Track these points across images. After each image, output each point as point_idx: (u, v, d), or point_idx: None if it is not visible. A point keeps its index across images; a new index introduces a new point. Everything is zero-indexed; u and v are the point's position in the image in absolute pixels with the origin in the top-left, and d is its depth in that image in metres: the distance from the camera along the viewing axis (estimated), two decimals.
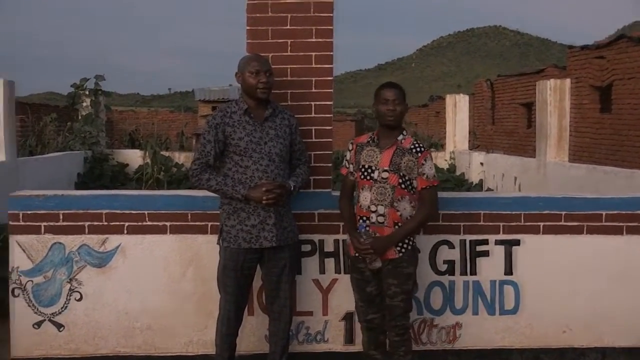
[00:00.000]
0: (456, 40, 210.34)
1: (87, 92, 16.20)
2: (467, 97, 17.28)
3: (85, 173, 14.82)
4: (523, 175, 12.43)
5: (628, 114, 13.86)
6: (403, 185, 4.64)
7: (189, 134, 22.57)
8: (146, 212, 5.31)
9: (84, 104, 16.19)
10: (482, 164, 15.02)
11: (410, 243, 4.73)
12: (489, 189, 14.28)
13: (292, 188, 4.83)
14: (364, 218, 4.72)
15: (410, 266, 4.74)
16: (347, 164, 4.91)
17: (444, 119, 18.36)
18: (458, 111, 16.87)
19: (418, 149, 4.68)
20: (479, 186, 14.81)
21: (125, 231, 5.31)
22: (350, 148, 4.91)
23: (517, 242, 5.47)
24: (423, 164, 4.66)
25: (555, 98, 11.11)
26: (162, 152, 16.36)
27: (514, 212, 5.45)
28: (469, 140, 17.84)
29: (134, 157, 16.21)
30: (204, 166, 4.79)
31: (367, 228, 4.68)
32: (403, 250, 4.68)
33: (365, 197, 4.71)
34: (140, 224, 5.31)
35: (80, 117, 16.25)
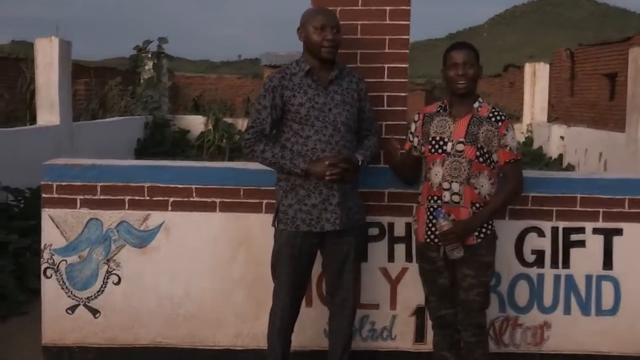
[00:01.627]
0: (529, 9, 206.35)
1: (149, 56, 15.78)
2: (547, 66, 16.39)
3: (145, 139, 14.49)
4: (610, 151, 11.54)
5: None
6: (481, 159, 4.06)
7: (254, 100, 22.09)
8: (193, 186, 4.75)
9: (147, 68, 15.80)
10: (562, 137, 14.16)
11: (490, 227, 4.16)
12: (569, 165, 13.43)
13: (359, 162, 4.22)
14: (435, 198, 4.14)
15: (489, 254, 4.17)
16: (411, 136, 4.36)
17: (519, 90, 17.53)
18: (537, 80, 15.98)
19: (498, 118, 4.11)
20: (559, 161, 13.97)
21: (170, 207, 4.77)
22: (416, 119, 4.34)
23: (618, 232, 4.74)
24: (505, 135, 4.08)
25: None
26: (225, 119, 15.89)
27: (616, 197, 4.72)
28: (548, 112, 16.92)
29: (196, 124, 15.83)
30: (259, 135, 4.21)
31: (445, 212, 4.06)
32: (482, 235, 4.11)
33: (436, 173, 4.14)
34: (186, 199, 4.76)
35: (142, 81, 15.84)
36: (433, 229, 4.12)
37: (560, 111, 21.77)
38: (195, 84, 28.10)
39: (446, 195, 4.10)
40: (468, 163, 4.06)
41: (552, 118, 19.23)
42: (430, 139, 4.19)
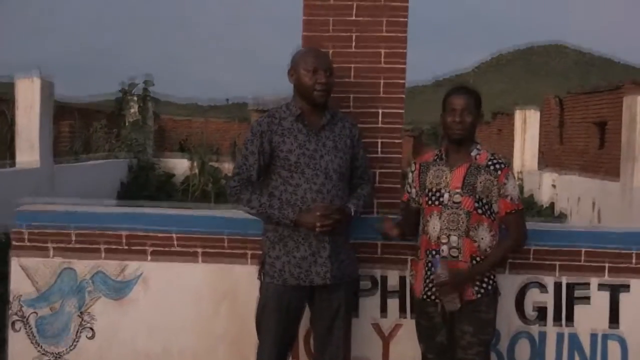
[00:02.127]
0: (515, 57, 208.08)
1: (135, 98, 15.57)
2: (537, 113, 16.29)
3: (129, 182, 14.19)
4: (603, 200, 11.35)
5: None
6: (480, 210, 3.85)
7: (241, 145, 21.87)
8: (174, 234, 4.47)
9: (132, 110, 15.58)
10: (554, 185, 13.98)
11: (491, 282, 3.93)
12: (561, 214, 13.22)
13: (352, 212, 3.97)
14: (433, 252, 3.91)
15: (490, 311, 3.94)
16: (408, 187, 4.15)
17: (507, 137, 17.37)
18: (528, 127, 15.86)
19: (497, 166, 3.89)
20: (550, 210, 13.76)
21: (149, 257, 4.48)
22: (413, 168, 4.13)
23: (625, 287, 4.46)
24: (505, 184, 3.88)
25: None
26: (211, 163, 15.64)
27: (622, 250, 4.44)
28: (538, 160, 16.78)
29: (181, 167, 15.55)
30: (245, 183, 3.96)
31: (442, 262, 3.83)
32: (482, 290, 3.88)
33: (434, 226, 3.90)
34: (166, 248, 4.48)
35: (127, 124, 15.61)
36: (431, 285, 3.88)
37: (549, 159, 21.65)
38: (181, 127, 27.88)
39: (444, 249, 3.86)
40: (466, 215, 3.84)
41: (544, 165, 19.10)
42: (426, 190, 3.96)
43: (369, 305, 4.49)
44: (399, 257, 4.45)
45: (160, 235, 4.45)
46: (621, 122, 15.63)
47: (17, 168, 9.79)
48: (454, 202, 3.86)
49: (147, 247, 4.46)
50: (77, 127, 17.07)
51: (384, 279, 4.48)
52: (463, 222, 3.84)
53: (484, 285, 3.87)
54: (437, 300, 3.89)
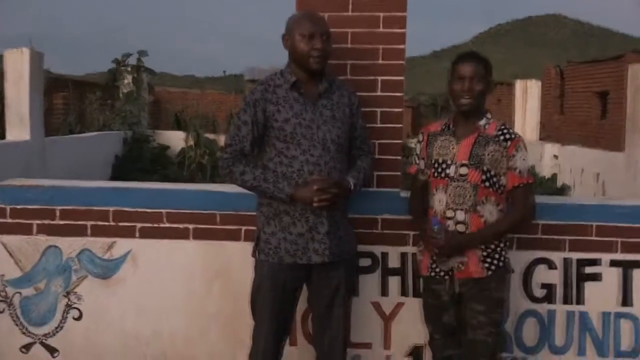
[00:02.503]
0: (513, 28, 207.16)
1: (129, 69, 15.26)
2: (539, 83, 15.99)
3: (123, 155, 13.92)
4: (607, 172, 11.13)
5: None
6: (487, 184, 3.63)
7: (234, 115, 21.60)
8: (164, 210, 4.25)
9: (126, 82, 15.27)
10: (555, 156, 13.74)
11: (502, 259, 3.71)
12: (564, 186, 12.99)
13: (351, 186, 3.74)
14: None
15: (500, 289, 3.72)
16: (416, 159, 3.93)
17: (506, 108, 17.09)
18: (528, 98, 15.56)
19: (507, 136, 3.66)
20: (552, 181, 13.55)
21: (138, 234, 4.27)
22: (421, 139, 3.91)
23: (638, 264, 4.25)
24: (514, 155, 3.64)
25: None
26: (207, 135, 15.37)
27: (635, 225, 4.23)
28: (539, 131, 16.53)
29: (177, 139, 15.27)
30: (238, 155, 3.73)
31: (441, 224, 3.65)
32: (492, 267, 3.67)
33: (439, 200, 3.70)
34: (156, 225, 4.26)
35: (121, 95, 15.32)
36: (436, 259, 3.70)
37: (550, 129, 21.41)
38: (177, 99, 27.51)
39: (450, 225, 3.65)
40: (473, 188, 3.63)
41: (545, 136, 18.85)
42: (433, 161, 3.74)
43: (369, 283, 4.29)
44: (400, 232, 4.24)
45: (149, 211, 4.24)
46: (623, 92, 15.42)
47: (6, 141, 9.54)
48: (460, 175, 3.65)
49: (135, 224, 4.25)
50: (71, 99, 16.81)
51: (385, 256, 4.28)
52: (470, 196, 3.63)
53: (494, 262, 3.66)
54: (445, 277, 3.69)
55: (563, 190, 12.83)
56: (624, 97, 14.93)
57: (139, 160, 13.89)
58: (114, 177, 13.12)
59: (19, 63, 9.48)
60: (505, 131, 3.68)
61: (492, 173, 3.62)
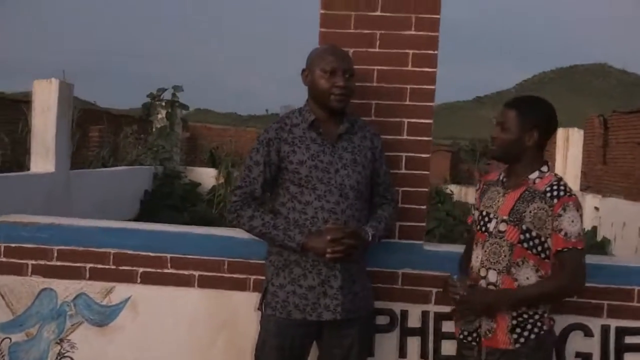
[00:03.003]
0: (558, 76, 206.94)
1: (163, 104, 15.13)
2: (581, 132, 15.48)
3: (153, 191, 13.71)
4: None
5: None
6: (526, 245, 3.22)
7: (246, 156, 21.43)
8: (168, 255, 3.96)
9: (159, 116, 15.15)
10: (596, 208, 13.25)
11: (536, 330, 3.27)
12: (604, 239, 12.49)
13: (369, 237, 3.41)
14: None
15: None
16: (473, 209, 3.59)
17: (550, 157, 16.61)
18: (570, 146, 15.07)
19: (555, 193, 3.20)
20: (592, 234, 13.03)
21: (139, 279, 3.97)
22: (477, 188, 3.57)
23: None
24: (560, 215, 3.17)
25: None
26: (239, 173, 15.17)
27: None
28: (580, 181, 16.03)
29: (208, 177, 15.04)
30: (247, 198, 3.44)
31: (463, 276, 3.33)
32: (522, 339, 3.24)
33: (477, 256, 3.37)
34: (159, 270, 3.96)
35: (154, 130, 15.19)
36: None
37: (591, 180, 20.88)
38: (215, 136, 27.46)
39: (482, 285, 3.28)
40: (509, 248, 3.25)
41: (585, 187, 18.31)
42: (479, 213, 3.41)
43: (386, 344, 3.93)
44: (422, 289, 3.90)
45: (152, 255, 3.94)
46: None
47: (30, 172, 9.36)
48: (498, 231, 3.28)
49: (137, 269, 3.96)
50: (106, 133, 16.76)
51: (404, 314, 3.92)
52: (505, 256, 3.25)
53: (525, 333, 3.24)
54: (474, 343, 3.32)
55: (603, 245, 12.36)
56: None
57: (168, 197, 13.68)
58: (142, 213, 12.94)
59: (47, 93, 9.33)
60: (555, 187, 3.24)
61: (534, 234, 3.22)
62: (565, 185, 3.28)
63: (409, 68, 3.85)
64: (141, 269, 3.95)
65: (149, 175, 13.91)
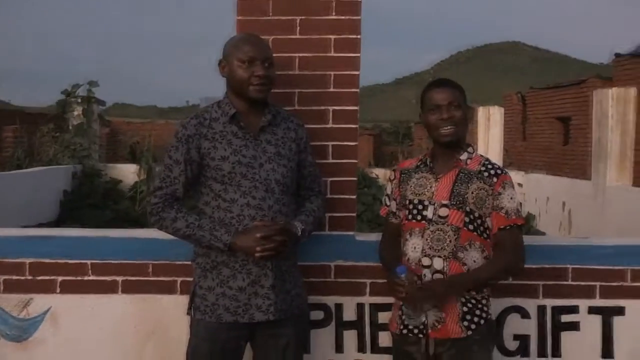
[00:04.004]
0: (473, 55, 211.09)
1: (79, 100, 14.70)
2: (501, 110, 15.73)
3: (73, 190, 13.32)
4: (574, 200, 10.81)
5: None
6: (471, 226, 3.20)
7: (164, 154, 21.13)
8: (89, 261, 3.76)
9: (75, 113, 14.71)
10: (520, 184, 13.44)
11: (484, 316, 3.25)
12: (529, 215, 12.66)
13: (299, 232, 3.28)
14: (415, 278, 3.21)
15: (483, 351, 3.26)
16: (387, 200, 3.47)
17: (469, 135, 16.78)
18: (491, 125, 15.28)
19: (493, 172, 3.23)
20: None
21: (58, 289, 3.76)
22: (393, 177, 3.46)
23: (619, 311, 3.84)
24: (500, 194, 3.21)
25: (617, 111, 9.47)
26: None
27: (616, 267, 3.82)
28: (503, 158, 16.24)
29: (129, 173, 14.69)
30: (169, 199, 3.27)
31: (409, 272, 3.16)
32: (473, 325, 3.20)
33: (414, 246, 3.25)
34: (79, 278, 3.76)
35: (70, 128, 14.76)
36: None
37: (513, 156, 21.21)
38: (136, 130, 26.89)
39: (426, 274, 3.19)
40: (454, 232, 3.19)
41: (508, 163, 18.58)
42: (407, 202, 3.29)
43: (322, 339, 3.82)
44: (356, 281, 3.80)
45: (71, 262, 3.74)
46: (586, 117, 15.21)
47: None
48: (439, 217, 3.20)
49: (55, 278, 3.76)
50: (21, 132, 16.24)
51: (339, 307, 3.82)
52: (450, 241, 3.19)
53: (475, 318, 3.20)
54: (420, 335, 3.22)
55: (528, 220, 12.54)
56: (587, 123, 14.74)
57: (89, 196, 13.32)
58: (62, 214, 12.57)
59: None
60: (490, 166, 3.26)
61: (477, 214, 3.19)
62: (495, 163, 3.31)
63: (332, 54, 3.73)
64: (60, 278, 3.75)
65: (67, 174, 13.50)
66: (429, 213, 3.22)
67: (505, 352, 3.82)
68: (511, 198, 3.22)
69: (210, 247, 3.21)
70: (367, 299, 3.79)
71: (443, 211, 3.19)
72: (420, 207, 3.25)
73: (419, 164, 3.36)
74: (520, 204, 3.31)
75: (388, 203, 3.46)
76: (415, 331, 3.23)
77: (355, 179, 3.81)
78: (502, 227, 3.20)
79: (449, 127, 3.21)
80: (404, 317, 3.26)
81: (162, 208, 3.24)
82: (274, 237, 3.13)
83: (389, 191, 3.46)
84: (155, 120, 31.78)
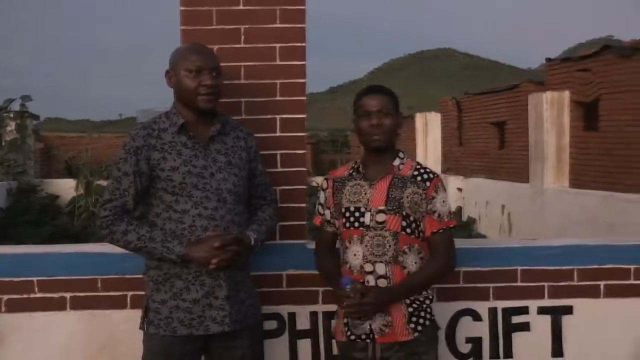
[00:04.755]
0: (406, 63, 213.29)
1: (11, 115, 14.37)
2: (438, 116, 15.89)
3: (8, 207, 12.99)
4: (513, 203, 10.97)
5: (618, 132, 12.44)
6: (409, 230, 3.21)
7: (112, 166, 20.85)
8: (35, 278, 3.66)
9: (8, 129, 14.37)
10: (459, 189, 13.58)
11: (428, 317, 3.28)
12: (469, 219, 12.79)
13: (252, 242, 3.24)
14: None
15: (430, 351, 3.28)
16: (321, 209, 3.45)
17: (406, 141, 16.92)
18: (429, 131, 15.43)
19: (425, 176, 3.26)
20: (458, 215, 13.34)
21: (4, 308, 3.66)
22: (325, 186, 3.44)
23: (568, 310, 3.90)
24: (433, 198, 3.24)
25: (552, 114, 9.65)
26: (99, 182, 14.59)
27: (563, 267, 3.89)
28: (441, 163, 16.40)
29: (66, 188, 14.41)
30: (119, 212, 3.20)
31: (351, 280, 3.16)
32: (419, 327, 3.22)
33: (354, 254, 3.24)
34: (25, 296, 3.66)
35: (3, 144, 14.42)
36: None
37: (450, 161, 21.38)
38: (71, 145, 26.41)
39: (370, 280, 3.19)
40: (393, 237, 3.19)
41: (446, 168, 18.78)
42: (343, 210, 3.27)
43: (277, 349, 3.79)
44: (308, 289, 3.78)
45: (16, 280, 3.64)
46: (520, 121, 15.45)
47: None
48: (377, 223, 3.20)
49: (0, 297, 3.65)
50: None
51: (292, 317, 3.80)
52: (390, 246, 3.19)
53: (420, 321, 3.23)
54: (367, 340, 3.22)
55: (469, 224, 12.67)
56: (521, 127, 14.96)
57: (26, 213, 13.00)
58: None
59: None
60: (422, 171, 3.28)
61: (412, 218, 3.21)
62: (426, 167, 3.35)
63: (278, 62, 3.72)
64: (5, 297, 3.64)
65: (2, 191, 13.18)
66: (366, 219, 3.22)
67: (459, 355, 3.85)
68: (443, 201, 3.26)
69: (163, 259, 3.16)
70: (320, 307, 3.78)
71: (380, 217, 3.20)
72: (357, 214, 3.24)
73: (351, 171, 3.36)
74: (450, 208, 3.35)
75: (322, 212, 3.44)
76: (363, 336, 3.23)
77: (305, 187, 3.81)
78: (435, 230, 3.24)
79: (378, 135, 3.22)
80: (350, 326, 3.25)
81: (112, 221, 3.18)
82: (228, 247, 3.10)
83: (322, 200, 3.44)
84: (90, 134, 31.24)
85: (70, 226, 12.63)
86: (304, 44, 3.73)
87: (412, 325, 3.20)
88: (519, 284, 3.87)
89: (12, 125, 14.46)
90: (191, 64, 3.21)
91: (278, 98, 3.74)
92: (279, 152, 3.75)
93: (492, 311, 3.87)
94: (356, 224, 3.24)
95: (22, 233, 11.87)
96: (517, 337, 3.88)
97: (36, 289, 3.65)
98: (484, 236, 11.63)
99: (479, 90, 21.51)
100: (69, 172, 18.96)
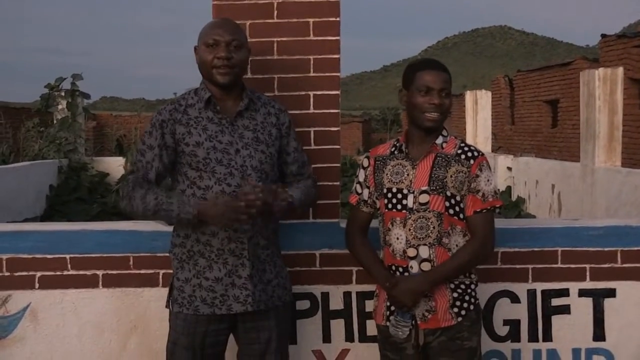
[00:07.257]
0: (461, 40, 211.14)
1: (62, 94, 14.48)
2: (489, 94, 15.57)
3: (59, 185, 13.12)
4: (563, 183, 10.71)
5: None
6: (452, 211, 3.11)
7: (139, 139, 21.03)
8: (67, 255, 3.65)
9: (60, 107, 14.49)
10: (509, 168, 13.34)
11: (472, 301, 3.17)
12: (519, 198, 12.58)
13: (290, 199, 3.13)
14: (400, 269, 3.15)
15: (473, 337, 3.18)
16: (359, 188, 3.32)
17: (457, 120, 16.72)
18: (480, 109, 15.14)
19: (470, 154, 3.13)
20: (507, 194, 13.12)
21: (37, 285, 3.65)
22: (366, 164, 3.31)
23: (610, 293, 3.77)
24: (477, 176, 3.11)
25: (604, 91, 9.37)
26: None
27: (606, 249, 3.75)
28: (492, 142, 16.14)
29: (116, 166, 14.49)
30: (140, 181, 3.16)
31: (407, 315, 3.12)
32: (463, 312, 3.13)
33: (397, 237, 3.14)
34: (59, 273, 3.66)
35: (55, 122, 14.56)
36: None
37: (501, 140, 21.13)
38: (122, 123, 26.72)
39: (413, 266, 3.11)
40: (437, 218, 3.09)
41: (496, 148, 18.51)
42: (385, 190, 3.17)
43: (309, 329, 3.74)
44: (341, 269, 3.71)
45: (49, 257, 3.64)
46: (573, 99, 15.14)
47: None
48: (420, 204, 3.10)
49: (34, 273, 3.65)
50: (5, 127, 16.07)
51: (326, 296, 3.73)
52: (434, 228, 3.09)
53: (465, 305, 3.13)
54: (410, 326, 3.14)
55: (518, 204, 12.46)
56: (574, 105, 14.67)
57: (76, 190, 13.11)
58: (48, 209, 12.38)
59: None
60: (466, 149, 3.15)
61: (458, 198, 3.11)
62: (471, 145, 3.22)
63: (311, 38, 3.63)
64: (39, 273, 3.64)
65: (53, 169, 13.29)
66: (409, 202, 3.12)
67: (496, 337, 3.76)
68: (488, 180, 3.13)
69: (180, 222, 3.11)
70: (354, 287, 3.71)
71: (423, 198, 3.09)
72: (399, 195, 3.14)
73: (392, 150, 3.24)
74: (495, 187, 3.21)
75: (360, 191, 3.32)
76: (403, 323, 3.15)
77: (338, 165, 3.72)
78: (477, 210, 3.11)
79: (436, 114, 3.09)
80: (391, 324, 3.16)
81: (133, 187, 3.12)
82: (255, 200, 2.93)
83: (361, 179, 3.32)
84: (141, 113, 31.56)
85: (118, 203, 12.70)
86: (338, 19, 3.63)
87: (456, 310, 3.12)
88: (560, 265, 3.75)
89: (63, 104, 14.57)
90: (209, 38, 3.15)
91: (312, 74, 3.65)
92: (312, 129, 3.68)
93: (531, 293, 3.75)
94: (399, 206, 3.14)
95: (72, 210, 12.00)
96: (557, 320, 3.77)
97: (69, 266, 3.65)
98: (533, 216, 11.41)
99: (532, 67, 21.16)
100: (119, 149, 19.13)
